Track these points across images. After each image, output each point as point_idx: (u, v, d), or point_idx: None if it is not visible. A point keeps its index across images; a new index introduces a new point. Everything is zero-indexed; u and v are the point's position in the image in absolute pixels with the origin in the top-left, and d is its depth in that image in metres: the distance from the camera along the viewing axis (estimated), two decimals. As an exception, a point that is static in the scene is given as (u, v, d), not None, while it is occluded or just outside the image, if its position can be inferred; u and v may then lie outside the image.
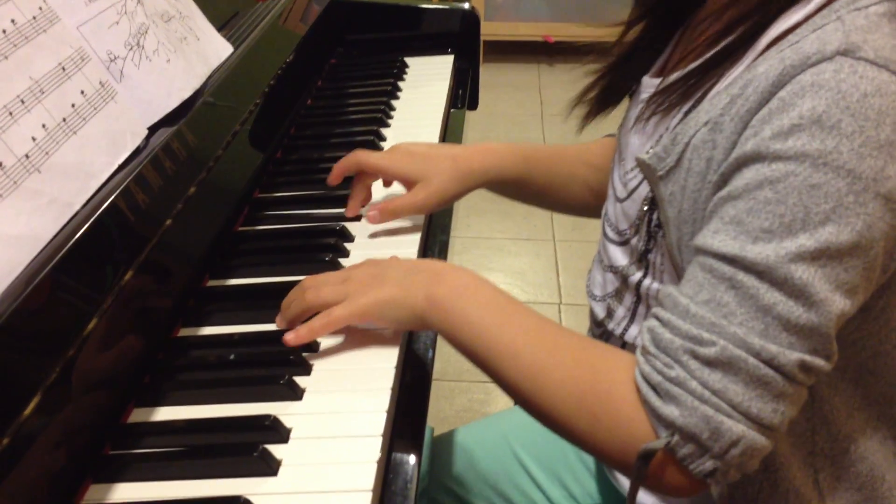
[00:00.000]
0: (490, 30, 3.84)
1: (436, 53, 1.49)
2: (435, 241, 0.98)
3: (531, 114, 3.52)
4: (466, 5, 1.51)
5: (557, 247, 2.61)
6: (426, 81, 1.39)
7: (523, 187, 1.01)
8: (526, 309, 0.74)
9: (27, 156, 0.65)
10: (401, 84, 1.38)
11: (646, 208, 0.78)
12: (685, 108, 0.74)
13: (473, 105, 1.47)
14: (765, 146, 0.62)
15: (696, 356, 0.63)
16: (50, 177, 0.66)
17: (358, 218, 0.98)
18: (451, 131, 1.27)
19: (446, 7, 1.54)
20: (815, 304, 0.61)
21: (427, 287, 0.75)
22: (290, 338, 0.75)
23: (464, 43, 1.50)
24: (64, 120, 0.70)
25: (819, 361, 0.62)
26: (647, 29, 0.87)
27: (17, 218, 0.62)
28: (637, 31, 0.88)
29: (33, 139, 0.66)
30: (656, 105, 0.76)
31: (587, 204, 1.04)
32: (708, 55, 0.72)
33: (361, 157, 0.96)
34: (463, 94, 1.43)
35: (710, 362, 0.62)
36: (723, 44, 0.71)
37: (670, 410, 0.63)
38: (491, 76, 3.84)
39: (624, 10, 0.89)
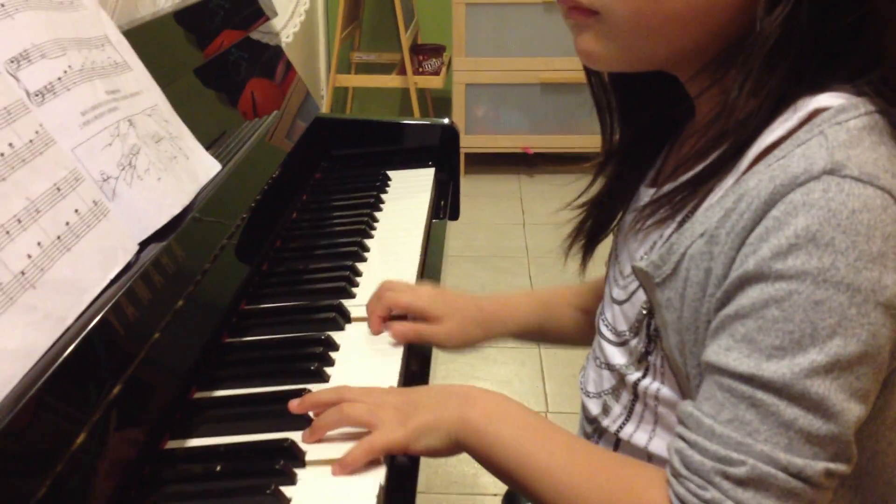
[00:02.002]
0: (471, 142, 3.94)
1: (417, 166, 1.54)
2: (416, 351, 1.00)
3: (513, 223, 3.58)
4: (446, 120, 1.56)
5: (542, 355, 2.62)
6: (408, 193, 1.44)
7: (546, 333, 1.06)
8: (557, 428, 0.77)
9: (23, 272, 0.67)
10: (383, 196, 1.42)
11: (644, 312, 0.80)
12: (679, 217, 0.76)
13: (455, 216, 1.51)
14: (766, 265, 0.65)
15: (727, 477, 0.65)
16: (45, 292, 0.68)
17: (342, 328, 1.00)
18: (433, 241, 1.30)
19: (427, 122, 1.60)
20: (834, 415, 0.63)
21: (460, 410, 0.77)
22: (336, 470, 0.76)
23: (444, 156, 1.55)
24: (58, 238, 0.72)
25: (841, 466, 0.65)
26: (637, 144, 0.90)
27: (13, 333, 0.64)
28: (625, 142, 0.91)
29: (29, 256, 0.68)
30: (650, 215, 0.79)
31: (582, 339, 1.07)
32: (698, 169, 0.75)
33: (392, 300, 1.01)
34: (444, 205, 1.47)
35: (741, 482, 0.64)
36: (711, 158, 0.73)
37: None
38: (473, 187, 3.91)
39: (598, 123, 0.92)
